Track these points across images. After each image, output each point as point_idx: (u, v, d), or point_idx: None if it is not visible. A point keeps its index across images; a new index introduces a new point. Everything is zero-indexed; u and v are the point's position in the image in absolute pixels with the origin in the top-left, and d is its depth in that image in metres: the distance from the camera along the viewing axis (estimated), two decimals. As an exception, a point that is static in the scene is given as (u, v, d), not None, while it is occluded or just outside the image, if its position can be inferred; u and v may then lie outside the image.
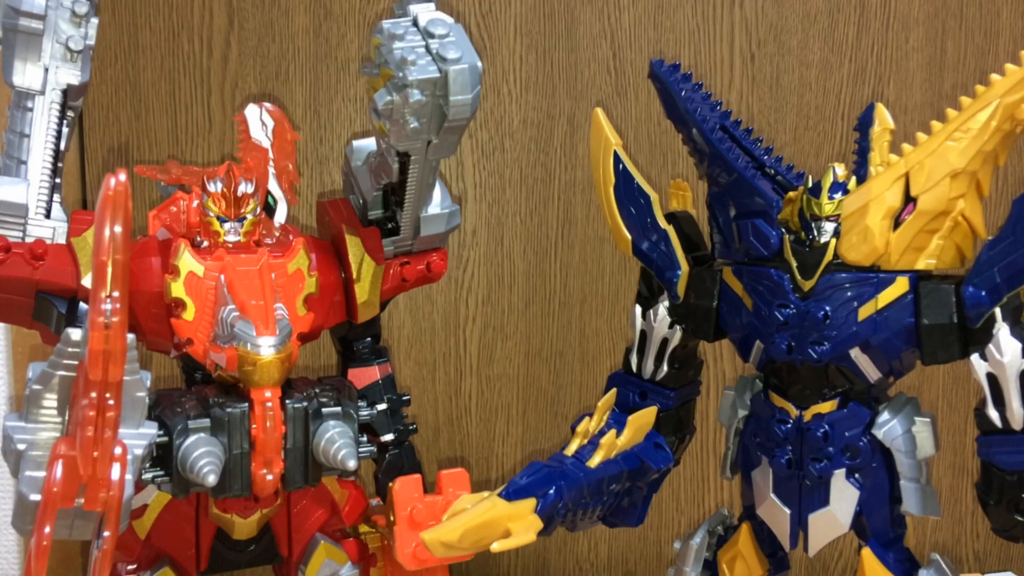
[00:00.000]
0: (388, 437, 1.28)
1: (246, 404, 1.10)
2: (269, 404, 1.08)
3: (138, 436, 1.03)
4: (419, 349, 1.89)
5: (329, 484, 1.25)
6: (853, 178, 1.14)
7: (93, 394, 0.92)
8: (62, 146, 1.15)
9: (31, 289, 1.12)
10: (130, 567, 1.20)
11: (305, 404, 1.12)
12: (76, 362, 0.98)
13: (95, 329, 0.89)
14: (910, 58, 1.86)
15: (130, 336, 0.97)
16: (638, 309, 1.27)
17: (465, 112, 1.06)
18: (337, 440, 1.12)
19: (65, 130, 1.15)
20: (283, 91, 1.83)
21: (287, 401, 1.11)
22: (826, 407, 1.15)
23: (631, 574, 1.95)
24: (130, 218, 0.91)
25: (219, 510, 1.19)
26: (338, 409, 1.14)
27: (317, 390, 1.16)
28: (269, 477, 1.10)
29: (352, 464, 1.11)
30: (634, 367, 1.28)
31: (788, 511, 1.20)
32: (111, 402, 0.92)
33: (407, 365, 1.88)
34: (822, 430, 1.15)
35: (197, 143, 1.83)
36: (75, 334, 0.98)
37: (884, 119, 1.17)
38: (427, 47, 1.05)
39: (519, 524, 1.08)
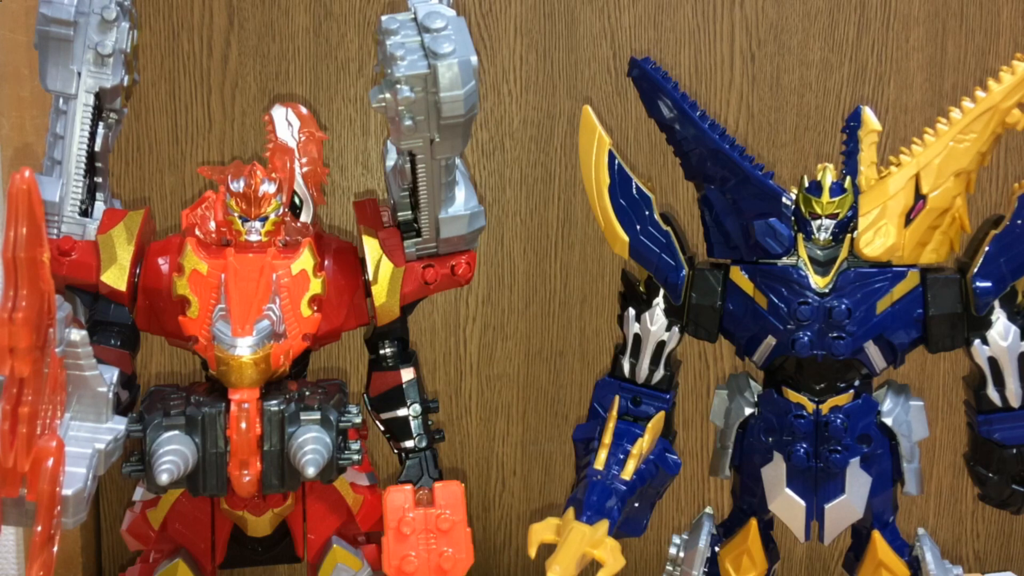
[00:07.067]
0: (408, 444, 1.27)
1: (223, 404, 1.10)
2: (245, 405, 1.08)
3: (103, 431, 1.06)
4: (419, 349, 1.88)
5: (342, 489, 1.25)
6: (848, 178, 1.20)
7: (15, 389, 0.94)
8: (97, 147, 1.18)
9: (60, 283, 1.14)
10: (153, 555, 1.23)
11: (282, 407, 1.11)
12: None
13: (0, 325, 0.91)
14: (910, 58, 1.85)
15: (82, 332, 1.00)
16: (631, 312, 1.27)
17: (458, 109, 1.01)
18: (306, 445, 1.10)
19: (102, 131, 1.19)
20: (283, 91, 1.83)
21: (264, 403, 1.11)
22: (843, 399, 1.20)
23: (631, 574, 1.95)
24: (37, 215, 0.92)
25: (229, 506, 1.20)
26: (316, 415, 1.12)
27: (307, 392, 1.16)
28: (247, 478, 1.10)
29: (311, 471, 1.08)
30: (626, 372, 1.28)
31: (803, 503, 1.23)
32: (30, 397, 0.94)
33: (407, 365, 1.88)
34: (840, 421, 1.19)
35: (197, 143, 1.83)
36: (74, 335, 1.00)
37: (870, 122, 1.22)
38: (422, 42, 1.01)
39: (601, 551, 1.09)
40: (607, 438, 1.22)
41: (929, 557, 1.24)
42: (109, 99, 1.19)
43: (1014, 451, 1.20)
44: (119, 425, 1.08)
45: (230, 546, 1.25)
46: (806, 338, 1.17)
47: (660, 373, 1.27)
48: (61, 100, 1.16)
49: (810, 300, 1.17)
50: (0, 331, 0.90)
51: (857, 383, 1.21)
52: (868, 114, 1.21)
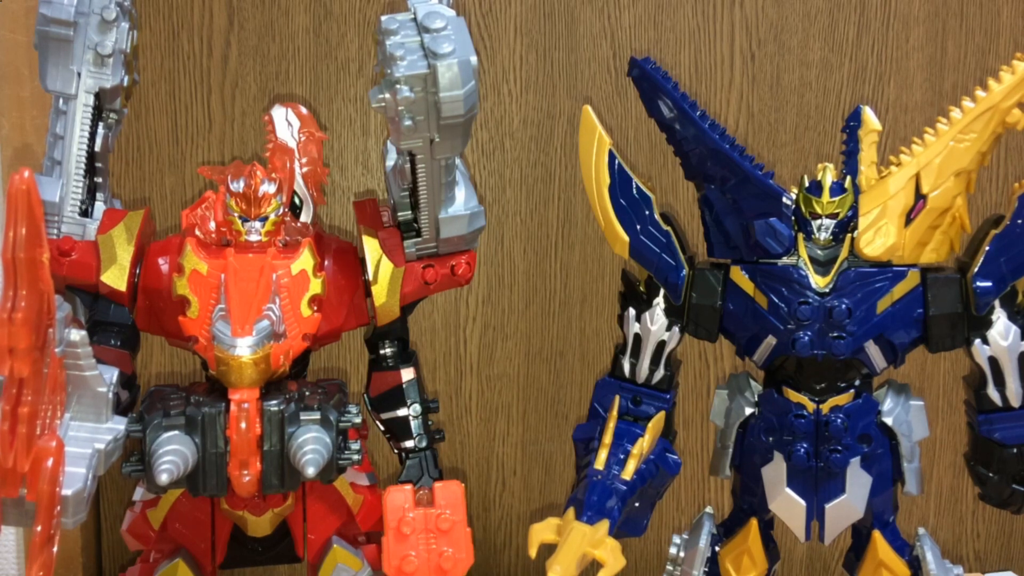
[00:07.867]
0: (408, 444, 1.26)
1: (223, 404, 1.10)
2: (245, 405, 1.08)
3: (103, 431, 1.06)
4: (419, 349, 1.87)
5: (342, 489, 1.25)
6: (848, 178, 1.20)
7: (14, 390, 0.94)
8: (97, 147, 1.19)
9: (60, 283, 1.15)
10: (154, 555, 1.23)
11: (282, 407, 1.11)
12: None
13: (0, 325, 0.91)
14: (910, 58, 1.86)
15: (82, 332, 1.00)
16: (631, 312, 1.27)
17: (458, 109, 1.01)
18: (306, 445, 1.10)
19: (102, 131, 1.19)
20: (283, 91, 1.83)
21: (264, 403, 1.10)
22: (843, 399, 1.21)
23: (631, 574, 1.95)
24: (37, 215, 0.92)
25: (229, 506, 1.20)
26: (316, 415, 1.12)
27: (307, 391, 1.15)
28: (247, 478, 1.09)
29: (311, 471, 1.08)
30: (626, 372, 1.28)
31: (804, 503, 1.24)
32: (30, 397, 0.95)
33: (407, 365, 1.88)
34: (840, 421, 1.19)
35: (197, 143, 1.83)
36: (74, 335, 1.00)
37: (870, 121, 1.22)
38: (421, 42, 1.01)
39: (601, 551, 1.09)
40: (607, 438, 1.22)
41: (929, 557, 1.24)
42: (109, 99, 1.19)
43: (1014, 451, 1.20)
44: (119, 425, 1.08)
45: (230, 546, 1.25)
46: (806, 338, 1.17)
47: (660, 373, 1.27)
48: (61, 100, 1.16)
49: (810, 300, 1.17)
50: (0, 331, 0.90)
51: (857, 383, 1.22)
52: (868, 114, 1.22)
